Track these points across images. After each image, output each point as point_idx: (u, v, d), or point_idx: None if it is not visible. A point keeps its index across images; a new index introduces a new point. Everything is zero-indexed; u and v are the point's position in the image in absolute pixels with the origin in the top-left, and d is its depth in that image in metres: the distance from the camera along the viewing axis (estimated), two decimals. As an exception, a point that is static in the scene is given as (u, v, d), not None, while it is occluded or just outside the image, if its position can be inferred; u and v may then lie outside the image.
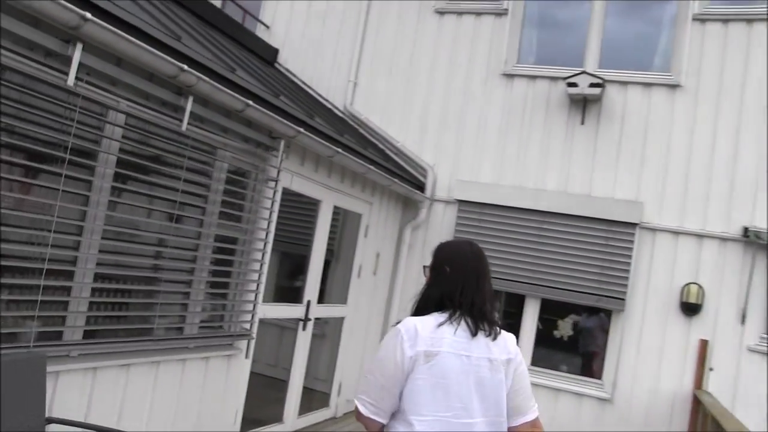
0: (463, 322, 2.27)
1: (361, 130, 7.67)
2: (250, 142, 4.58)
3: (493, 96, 7.33)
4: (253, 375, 5.07)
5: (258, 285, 4.84)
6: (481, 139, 7.29)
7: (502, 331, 2.35)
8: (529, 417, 2.35)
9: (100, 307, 3.75)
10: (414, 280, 7.31)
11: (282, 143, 4.75)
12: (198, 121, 4.04)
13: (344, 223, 6.83)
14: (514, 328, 6.75)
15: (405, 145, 7.55)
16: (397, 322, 2.31)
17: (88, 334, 3.59)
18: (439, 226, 7.33)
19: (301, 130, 4.68)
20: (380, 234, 7.00)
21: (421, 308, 2.37)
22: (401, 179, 6.68)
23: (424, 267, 2.50)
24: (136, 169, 3.72)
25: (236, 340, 4.75)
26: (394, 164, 6.96)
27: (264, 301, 5.11)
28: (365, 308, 6.89)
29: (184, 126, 3.78)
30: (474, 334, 2.27)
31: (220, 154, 4.36)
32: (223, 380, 4.67)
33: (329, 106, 7.73)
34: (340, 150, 5.27)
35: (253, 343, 4.86)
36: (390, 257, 7.32)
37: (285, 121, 4.52)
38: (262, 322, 5.10)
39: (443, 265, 2.41)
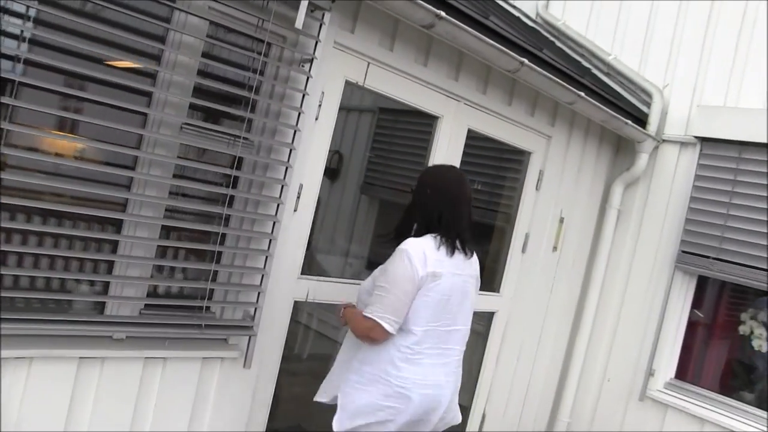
0: (451, 244, 2.62)
1: (558, 43, 5.28)
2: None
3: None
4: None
5: (271, 242, 2.92)
6: (745, 40, 4.43)
7: None
8: None
9: None
10: (626, 264, 4.75)
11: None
12: None
13: (494, 165, 4.58)
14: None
15: (619, 59, 4.99)
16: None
17: None
18: (668, 181, 4.64)
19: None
20: (566, 188, 4.58)
21: (403, 230, 2.74)
22: (608, 104, 4.23)
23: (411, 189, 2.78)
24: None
25: (229, 335, 2.90)
26: (595, 81, 4.49)
27: (313, 271, 3.20)
28: (536, 301, 4.54)
29: None
30: (464, 254, 2.68)
31: None
32: (201, 401, 2.87)
33: (516, 13, 5.45)
34: (482, 36, 3.14)
35: (255, 342, 2.94)
36: (586, 226, 4.84)
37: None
38: (302, 308, 3.19)
39: (426, 188, 2.72)
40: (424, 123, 3.88)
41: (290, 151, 2.88)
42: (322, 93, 3.05)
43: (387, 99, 3.48)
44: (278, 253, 3.00)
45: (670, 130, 4.67)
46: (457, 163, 3.77)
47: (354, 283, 3.41)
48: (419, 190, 2.73)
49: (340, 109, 3.18)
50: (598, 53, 5.05)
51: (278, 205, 2.89)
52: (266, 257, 2.90)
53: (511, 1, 5.51)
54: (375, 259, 3.62)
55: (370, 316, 2.52)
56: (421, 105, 3.53)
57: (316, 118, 3.06)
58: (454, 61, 3.63)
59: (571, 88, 3.83)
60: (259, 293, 2.91)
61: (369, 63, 3.23)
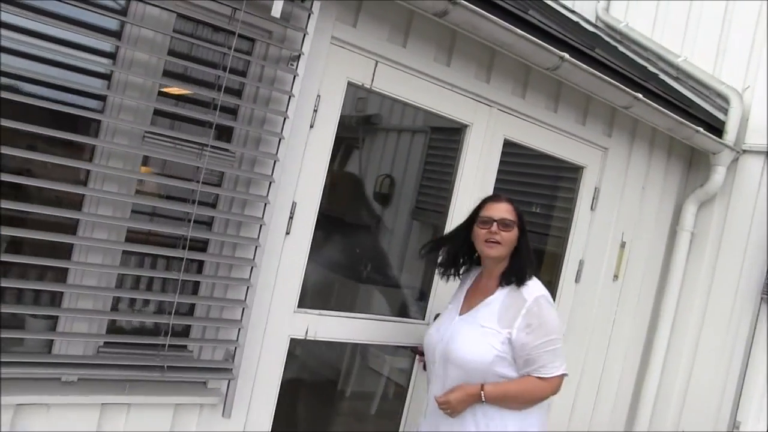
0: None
1: (622, 48, 4.68)
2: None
3: None
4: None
5: (252, 270, 2.48)
6: None
7: None
8: None
9: None
10: (702, 296, 4.06)
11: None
12: None
13: (540, 182, 4.00)
14: None
15: (690, 62, 4.34)
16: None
17: None
18: (751, 198, 3.94)
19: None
20: (628, 208, 3.95)
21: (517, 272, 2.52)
22: (674, 109, 3.62)
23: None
24: None
25: (208, 378, 2.47)
26: (660, 84, 3.88)
27: (313, 304, 2.77)
28: (593, 339, 3.90)
29: None
30: None
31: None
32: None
33: (575, 18, 4.89)
34: (510, 26, 2.65)
35: (236, 386, 2.49)
36: (654, 251, 4.17)
37: None
38: (300, 345, 2.74)
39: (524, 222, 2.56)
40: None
41: (274, 163, 2.46)
42: (318, 96, 2.63)
43: (438, 117, 3.05)
44: (266, 282, 2.58)
45: (753, 138, 3.98)
46: (492, 180, 3.26)
47: (363, 318, 2.94)
48: (523, 223, 2.54)
49: (391, 130, 2.78)
50: (665, 56, 4.43)
51: (260, 227, 2.46)
52: (247, 288, 2.47)
53: (567, 4, 4.97)
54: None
55: (558, 373, 2.39)
56: (444, 110, 3.05)
57: (311, 126, 2.64)
58: (484, 60, 3.13)
59: (624, 88, 3.25)
60: (239, 330, 2.48)
61: (377, 62, 2.78)
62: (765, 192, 3.85)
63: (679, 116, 3.59)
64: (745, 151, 4.00)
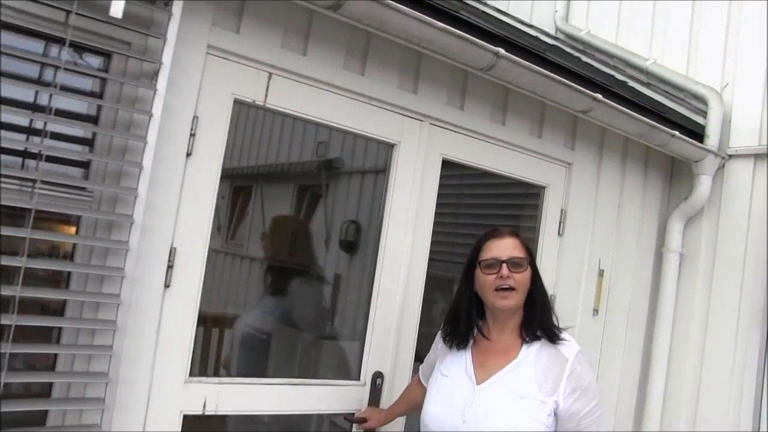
0: None
1: (584, 58, 4.24)
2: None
3: None
4: None
5: (115, 333, 1.96)
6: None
7: None
8: None
9: None
10: (698, 325, 3.51)
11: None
12: None
13: (494, 203, 3.51)
14: None
15: (661, 63, 3.89)
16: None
17: None
18: (743, 207, 3.42)
19: None
20: (603, 230, 3.43)
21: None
22: (644, 112, 3.15)
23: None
24: None
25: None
26: (627, 90, 3.41)
27: (224, 372, 2.27)
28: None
29: None
30: None
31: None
32: None
33: (534, 33, 4.46)
34: (419, 14, 2.19)
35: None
36: (639, 278, 3.63)
37: None
38: (201, 420, 2.22)
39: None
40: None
41: (134, 199, 1.97)
42: (195, 118, 2.17)
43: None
44: (142, 348, 2.07)
45: (739, 140, 3.49)
46: (431, 208, 2.78)
47: (281, 383, 2.41)
48: (534, 258, 2.14)
49: (354, 172, 2.41)
50: (633, 60, 3.98)
51: (122, 279, 1.96)
52: (110, 357, 1.96)
53: (528, 21, 4.56)
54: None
55: None
56: (362, 128, 2.58)
57: (189, 153, 2.16)
58: (409, 66, 2.69)
59: (581, 88, 2.79)
60: (102, 411, 1.96)
61: (271, 74, 2.33)
62: (759, 198, 3.33)
63: (649, 119, 3.12)
64: (731, 156, 3.50)
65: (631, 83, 3.95)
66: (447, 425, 1.98)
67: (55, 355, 2.02)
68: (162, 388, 2.14)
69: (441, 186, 2.82)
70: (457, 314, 2.14)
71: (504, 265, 2.01)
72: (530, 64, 2.59)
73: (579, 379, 1.97)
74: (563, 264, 3.24)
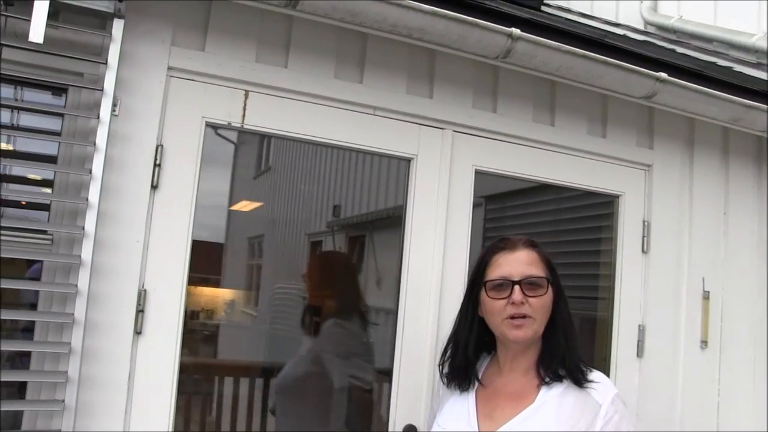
0: None
1: (681, 49, 3.62)
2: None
3: None
4: None
5: (67, 388, 1.76)
6: None
7: None
8: None
9: None
10: None
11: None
12: None
13: (555, 219, 2.97)
14: None
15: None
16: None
17: None
18: None
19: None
20: (704, 242, 2.79)
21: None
22: (738, 91, 2.56)
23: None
24: None
25: None
26: (711, 68, 2.80)
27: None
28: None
29: None
30: None
31: None
32: None
33: (621, 32, 3.93)
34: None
35: None
36: (760, 297, 2.92)
37: None
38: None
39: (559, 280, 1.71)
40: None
41: (83, 237, 1.79)
42: (160, 147, 1.97)
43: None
44: (113, 400, 1.85)
45: None
46: (465, 231, 2.37)
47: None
48: (556, 276, 1.68)
49: None
50: (736, 40, 3.33)
51: (72, 325, 1.77)
52: (62, 409, 1.76)
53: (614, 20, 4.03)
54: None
55: None
56: (368, 144, 2.26)
57: (154, 186, 1.96)
58: (420, 68, 2.35)
59: (634, 67, 2.29)
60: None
61: (247, 91, 2.10)
62: None
63: (744, 99, 2.51)
64: None
65: (738, 67, 3.30)
66: None
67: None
68: (138, 450, 1.90)
69: (488, 208, 2.42)
70: (455, 345, 1.72)
71: (517, 287, 1.58)
72: (557, 43, 2.15)
73: (615, 429, 1.49)
74: (652, 287, 2.67)
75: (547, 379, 1.59)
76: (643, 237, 2.69)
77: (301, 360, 2.67)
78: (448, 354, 1.74)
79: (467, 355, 1.68)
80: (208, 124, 2.05)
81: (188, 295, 1.99)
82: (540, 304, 1.59)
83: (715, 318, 2.77)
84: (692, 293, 2.74)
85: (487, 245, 1.75)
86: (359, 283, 3.07)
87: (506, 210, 3.18)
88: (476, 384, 1.68)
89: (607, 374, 2.54)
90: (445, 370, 1.74)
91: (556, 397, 1.56)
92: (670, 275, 2.71)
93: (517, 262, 1.62)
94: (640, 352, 2.62)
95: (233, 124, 2.08)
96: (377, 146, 2.27)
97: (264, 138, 6.23)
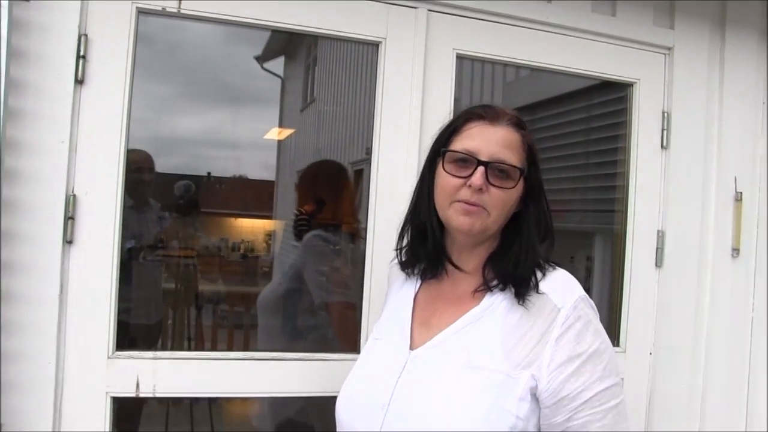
0: None
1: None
2: None
3: None
4: None
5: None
6: None
7: None
8: None
9: None
10: None
11: None
12: None
13: (553, 113, 2.63)
14: None
15: None
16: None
17: None
18: None
19: None
20: (734, 136, 2.40)
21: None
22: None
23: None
24: None
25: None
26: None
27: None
28: (713, 366, 2.36)
29: None
30: None
31: None
32: None
33: None
34: None
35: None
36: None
37: None
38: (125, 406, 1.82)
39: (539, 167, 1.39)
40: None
41: (-9, 137, 1.62)
42: (84, 36, 1.77)
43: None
44: (42, 317, 1.72)
45: None
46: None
47: (246, 358, 1.93)
48: (538, 172, 1.38)
49: None
50: None
51: (-14, 235, 1.62)
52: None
53: None
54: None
55: None
56: (322, 26, 1.99)
57: (79, 80, 1.77)
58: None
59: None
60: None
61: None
62: None
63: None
64: None
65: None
66: (360, 415, 1.31)
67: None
68: (77, 365, 1.77)
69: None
70: (420, 225, 1.42)
71: (481, 169, 1.26)
72: None
73: (578, 341, 1.22)
74: (672, 188, 2.33)
75: (492, 283, 1.32)
76: (663, 130, 2.34)
77: (284, 276, 2.49)
78: (406, 239, 1.47)
79: (435, 238, 1.38)
80: (140, 10, 1.83)
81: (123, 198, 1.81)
82: (501, 198, 1.28)
83: (749, 223, 2.42)
84: (722, 194, 2.39)
85: (466, 108, 1.41)
86: (353, 195, 2.85)
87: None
88: (413, 278, 1.43)
89: (621, 287, 2.28)
90: (404, 257, 1.49)
91: (505, 301, 1.29)
92: (695, 174, 2.36)
93: (492, 139, 1.29)
94: (659, 262, 2.31)
95: (168, 10, 1.85)
96: (335, 29, 1.99)
97: (308, 70, 6.06)
